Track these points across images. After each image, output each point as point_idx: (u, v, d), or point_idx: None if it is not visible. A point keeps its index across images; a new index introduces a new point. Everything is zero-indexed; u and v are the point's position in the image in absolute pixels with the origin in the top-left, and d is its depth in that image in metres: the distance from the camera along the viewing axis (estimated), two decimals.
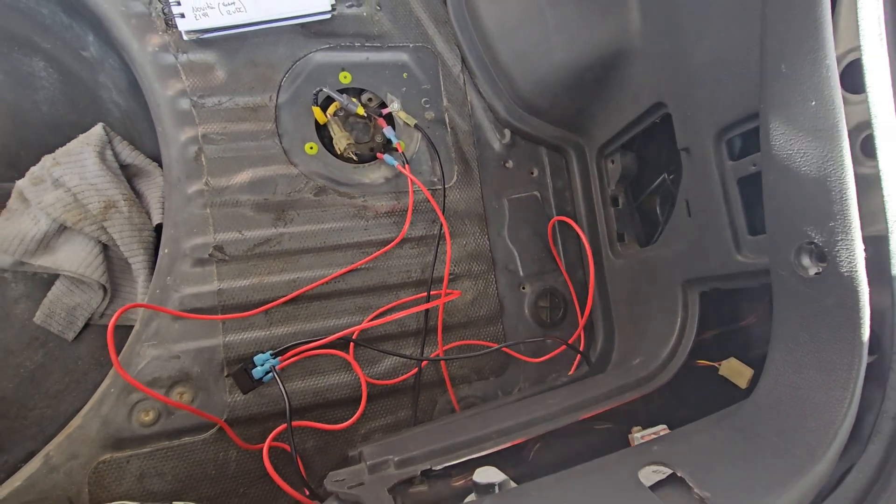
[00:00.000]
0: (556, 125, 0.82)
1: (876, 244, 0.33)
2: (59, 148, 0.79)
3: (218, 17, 0.70)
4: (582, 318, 0.80)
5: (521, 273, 0.80)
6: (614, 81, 0.71)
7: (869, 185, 0.34)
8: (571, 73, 0.72)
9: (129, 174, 0.82)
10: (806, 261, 0.37)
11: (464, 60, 0.82)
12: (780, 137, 0.37)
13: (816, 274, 0.37)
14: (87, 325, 0.80)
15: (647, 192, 0.77)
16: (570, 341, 0.79)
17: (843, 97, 0.35)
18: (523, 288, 0.81)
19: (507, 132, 0.83)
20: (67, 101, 0.84)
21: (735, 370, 0.54)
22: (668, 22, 0.59)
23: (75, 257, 0.78)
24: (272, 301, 0.69)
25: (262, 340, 0.68)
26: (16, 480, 0.59)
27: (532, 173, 0.84)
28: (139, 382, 0.58)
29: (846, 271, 0.35)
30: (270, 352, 0.61)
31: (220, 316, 0.66)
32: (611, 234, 0.80)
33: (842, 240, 0.34)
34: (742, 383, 0.53)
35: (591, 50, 0.69)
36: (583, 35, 0.69)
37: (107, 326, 0.81)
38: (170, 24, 0.70)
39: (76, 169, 0.77)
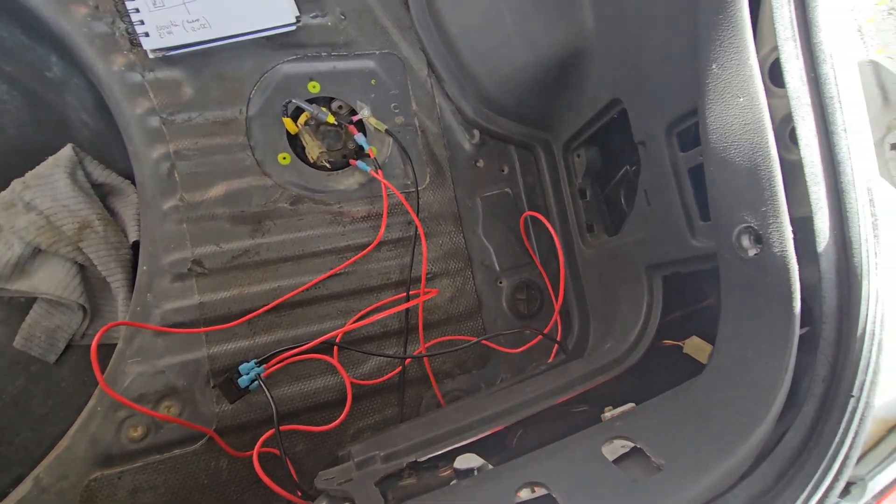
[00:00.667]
0: (523, 123, 0.85)
1: (804, 224, 0.36)
2: (29, 171, 0.78)
3: (182, 35, 0.71)
4: (557, 307, 0.83)
5: (498, 268, 0.83)
6: (574, 80, 0.74)
7: (797, 171, 0.37)
8: (533, 72, 0.75)
9: (102, 193, 0.83)
10: (746, 242, 0.40)
11: (430, 65, 0.84)
12: (716, 131, 0.40)
13: (755, 255, 0.40)
14: (68, 347, 0.80)
15: (612, 184, 0.81)
16: (546, 331, 0.81)
17: (771, 91, 0.38)
18: (500, 282, 0.83)
19: (477, 132, 0.85)
20: (34, 123, 0.83)
21: (697, 347, 0.57)
22: (619, 22, 0.62)
23: (52, 279, 0.78)
24: (254, 311, 0.70)
25: (246, 350, 0.69)
26: None
27: (503, 171, 0.86)
28: (126, 399, 0.59)
29: (779, 251, 0.38)
30: (255, 360, 0.62)
31: (202, 329, 0.67)
32: (580, 226, 0.83)
33: (773, 223, 0.37)
34: (703, 359, 0.56)
35: (550, 50, 0.72)
36: (541, 36, 0.72)
37: (89, 347, 0.81)
38: (134, 42, 0.71)
39: (47, 191, 0.77)
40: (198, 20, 0.71)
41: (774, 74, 0.39)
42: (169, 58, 0.72)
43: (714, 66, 0.39)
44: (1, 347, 0.78)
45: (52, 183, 0.77)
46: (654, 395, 0.51)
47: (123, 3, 0.70)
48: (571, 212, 0.84)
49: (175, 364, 0.66)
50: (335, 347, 0.69)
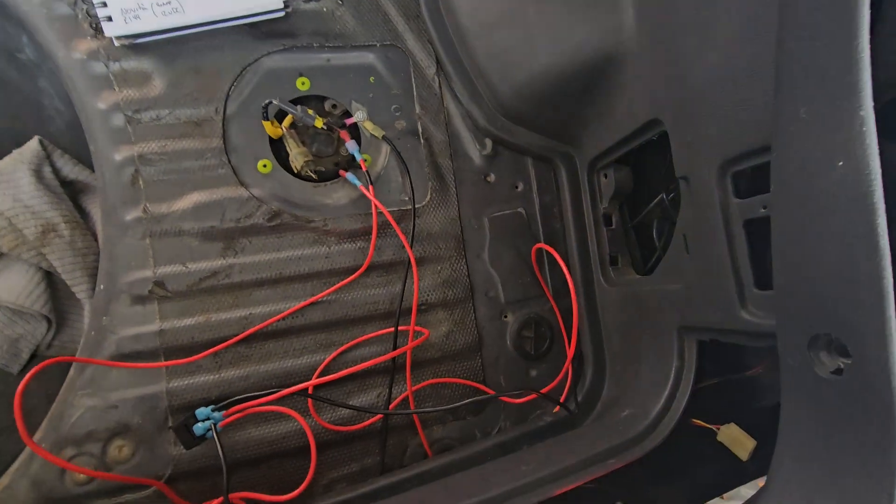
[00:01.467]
0: (543, 134, 0.73)
1: None
2: None
3: (151, 20, 0.61)
4: (570, 355, 0.72)
5: (503, 300, 0.73)
6: (606, 90, 0.61)
7: None
8: (557, 78, 0.63)
9: (73, 191, 0.75)
10: (823, 354, 0.29)
11: (438, 62, 0.72)
12: (795, 197, 0.28)
13: (836, 371, 0.29)
14: (33, 356, 0.74)
15: (644, 213, 0.69)
16: (555, 382, 0.71)
17: (881, 149, 0.27)
18: (505, 316, 0.73)
19: (489, 142, 0.74)
20: (5, 109, 0.76)
21: (735, 439, 0.46)
22: (667, 27, 0.49)
23: (14, 287, 0.71)
24: (221, 341, 0.62)
25: (210, 385, 0.62)
26: None
27: (516, 187, 0.75)
28: (59, 456, 0.52)
29: (876, 373, 0.27)
30: (213, 406, 0.54)
31: (161, 363, 0.59)
32: (603, 257, 0.71)
33: (871, 338, 0.26)
34: (743, 455, 0.46)
35: (579, 53, 0.60)
36: (569, 36, 0.60)
37: (51, 358, 0.75)
38: (97, 27, 0.62)
39: (9, 190, 0.69)
40: (169, 3, 0.61)
41: (890, 122, 0.27)
42: (137, 46, 0.63)
43: (803, 112, 0.27)
44: None
45: (15, 181, 0.70)
46: (677, 486, 0.41)
47: None
48: (593, 240, 0.72)
49: (129, 398, 0.59)
50: (309, 398, 0.61)
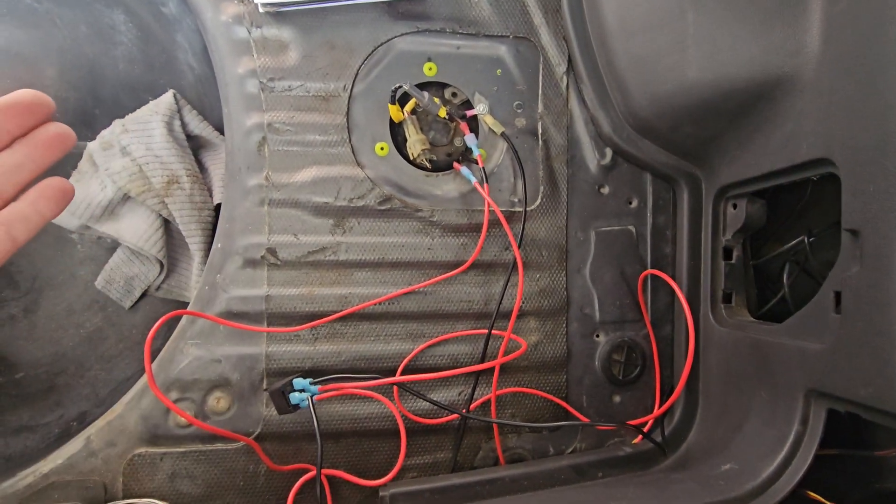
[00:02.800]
0: (671, 151, 0.68)
1: None
2: (130, 114, 0.76)
3: None
4: (680, 383, 0.68)
5: (598, 318, 0.70)
6: (763, 115, 0.56)
7: None
8: (706, 96, 0.58)
9: (195, 146, 0.79)
10: None
11: (570, 60, 0.68)
12: None
13: None
14: (143, 295, 0.80)
15: (774, 254, 0.63)
16: (651, 419, 0.68)
17: None
18: (597, 336, 0.70)
19: (609, 152, 0.70)
20: (144, 59, 0.80)
21: None
22: (864, 57, 0.43)
23: (136, 229, 0.76)
24: (320, 315, 0.63)
25: (304, 356, 0.64)
26: (58, 458, 0.59)
27: (630, 203, 0.71)
28: (166, 397, 0.56)
29: None
30: (310, 380, 0.56)
31: (266, 328, 0.62)
32: (715, 292, 0.67)
33: None
34: None
35: (741, 71, 0.54)
36: (733, 51, 0.54)
37: (163, 298, 0.80)
38: None
39: (143, 138, 0.74)
40: None
41: None
42: (279, 14, 0.64)
43: None
44: (84, 284, 0.79)
45: (149, 131, 0.74)
46: None
47: None
48: (706, 272, 0.67)
49: (232, 356, 0.62)
50: (395, 387, 0.61)
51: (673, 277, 0.70)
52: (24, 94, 0.31)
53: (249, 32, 0.63)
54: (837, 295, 0.47)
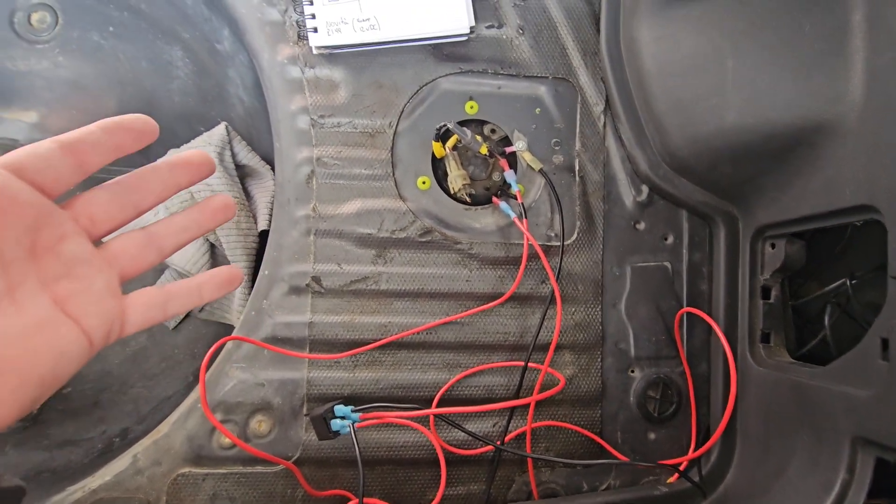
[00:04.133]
0: (708, 190, 0.69)
1: None
2: (185, 143, 0.80)
3: (350, 34, 0.65)
4: (723, 424, 0.68)
5: (633, 354, 0.70)
6: (803, 159, 0.56)
7: None
8: (745, 139, 0.59)
9: (242, 174, 0.83)
10: None
11: (608, 99, 0.70)
12: None
13: None
14: (187, 316, 0.83)
15: (815, 295, 0.63)
16: (685, 461, 0.68)
17: None
18: (632, 371, 0.70)
19: (645, 189, 0.71)
20: (198, 92, 0.85)
21: None
22: None
23: (184, 253, 0.80)
24: (361, 343, 0.65)
25: (344, 382, 0.65)
26: (106, 475, 0.61)
27: (665, 239, 0.72)
28: (214, 416, 0.57)
29: None
30: (352, 407, 0.57)
31: (308, 355, 0.64)
32: (753, 332, 0.66)
33: None
34: None
35: (781, 117, 0.56)
36: (772, 97, 0.56)
37: (205, 321, 0.83)
38: (301, 35, 0.67)
39: None
40: (368, 20, 0.65)
41: None
42: (331, 56, 0.67)
43: None
44: None
45: None
46: None
47: None
48: (744, 311, 0.67)
49: (275, 380, 0.64)
50: (432, 416, 0.62)
51: (709, 315, 0.70)
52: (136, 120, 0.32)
53: (303, 72, 0.67)
54: (884, 342, 0.47)
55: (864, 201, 0.49)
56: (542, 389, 0.66)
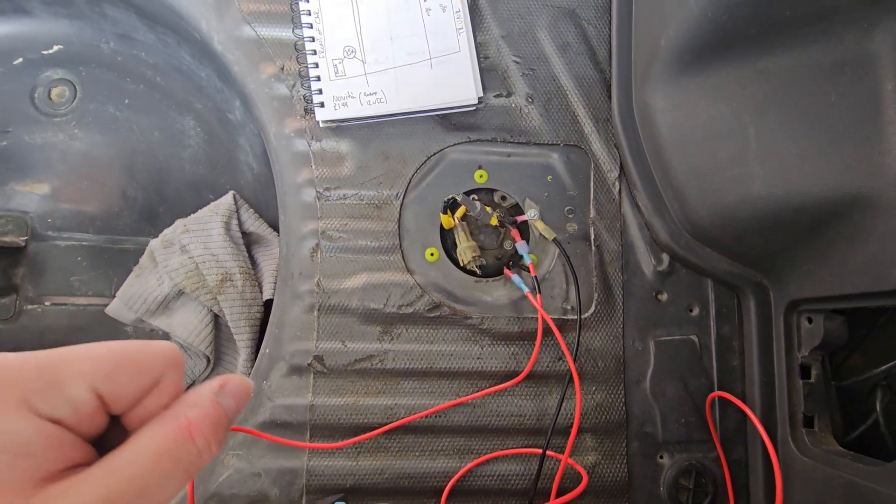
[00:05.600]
0: (735, 260, 0.65)
1: None
2: (191, 212, 0.80)
3: (357, 108, 0.64)
4: None
5: (661, 437, 0.64)
6: (840, 233, 0.52)
7: None
8: (773, 210, 0.55)
9: (248, 241, 0.81)
10: None
11: (622, 167, 0.68)
12: None
13: None
14: (189, 387, 0.80)
15: (862, 378, 0.57)
16: None
17: None
18: (661, 457, 0.64)
19: (666, 258, 0.67)
20: (208, 160, 0.85)
21: None
22: None
23: (188, 324, 0.77)
24: (365, 427, 0.61)
25: (346, 472, 0.61)
26: None
27: (691, 311, 0.67)
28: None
29: None
30: None
31: (308, 444, 0.59)
32: (794, 415, 0.60)
33: None
34: None
35: (811, 188, 0.52)
36: (800, 168, 0.52)
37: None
38: (308, 110, 0.66)
39: (202, 238, 0.77)
40: (375, 94, 0.65)
41: None
42: (338, 129, 0.67)
43: None
44: None
45: (208, 230, 0.77)
46: None
47: (307, 69, 0.66)
48: (783, 391, 0.61)
49: (273, 469, 0.60)
50: None
51: (743, 395, 0.64)
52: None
53: (309, 145, 0.66)
54: None
55: None
56: (562, 480, 0.61)
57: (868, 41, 0.50)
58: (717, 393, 0.64)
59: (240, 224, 0.80)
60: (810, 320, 0.60)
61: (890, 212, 0.48)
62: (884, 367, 0.55)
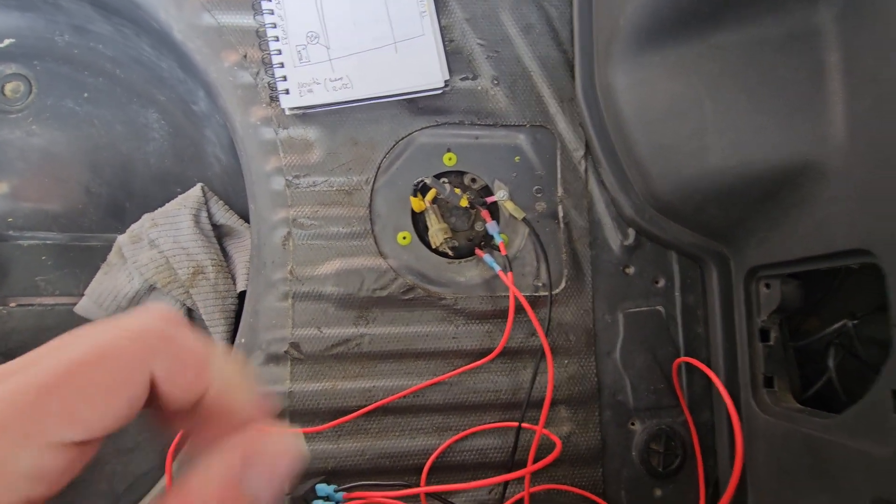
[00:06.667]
0: (697, 231, 0.67)
1: None
2: (159, 206, 0.78)
3: (323, 94, 0.64)
4: (702, 475, 0.64)
5: (632, 405, 0.67)
6: (791, 201, 0.55)
7: None
8: (729, 181, 0.58)
9: (219, 234, 0.81)
10: None
11: (587, 145, 0.69)
12: None
13: None
14: None
15: (816, 337, 0.60)
16: None
17: None
18: (632, 424, 0.67)
19: (632, 232, 0.69)
20: (174, 153, 0.84)
21: None
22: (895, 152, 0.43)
23: None
24: (344, 410, 0.62)
25: (327, 455, 0.61)
26: None
27: (657, 283, 0.69)
28: None
29: None
30: (335, 487, 0.53)
31: (291, 430, 0.60)
32: (755, 376, 0.63)
33: None
34: None
35: (763, 159, 0.54)
36: (753, 140, 0.55)
37: None
38: (273, 98, 0.66)
39: (171, 231, 0.76)
40: (341, 79, 0.65)
41: None
42: (305, 116, 0.66)
43: None
44: None
45: (177, 224, 0.76)
46: None
47: (270, 56, 0.65)
48: (744, 355, 0.64)
49: None
50: (423, 496, 0.58)
51: (708, 360, 0.67)
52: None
53: (276, 133, 0.66)
54: (895, 394, 0.44)
55: (858, 245, 0.48)
56: (538, 450, 0.63)
57: (813, 14, 0.52)
58: (682, 358, 0.66)
59: (210, 216, 0.79)
60: (768, 286, 0.63)
61: (835, 178, 0.50)
62: (835, 326, 0.59)
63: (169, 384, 0.17)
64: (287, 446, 0.17)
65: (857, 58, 0.47)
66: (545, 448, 0.63)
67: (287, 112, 0.66)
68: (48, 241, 0.79)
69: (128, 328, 0.17)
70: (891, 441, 0.44)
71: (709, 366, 0.67)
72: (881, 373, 0.46)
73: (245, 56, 0.67)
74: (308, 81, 0.64)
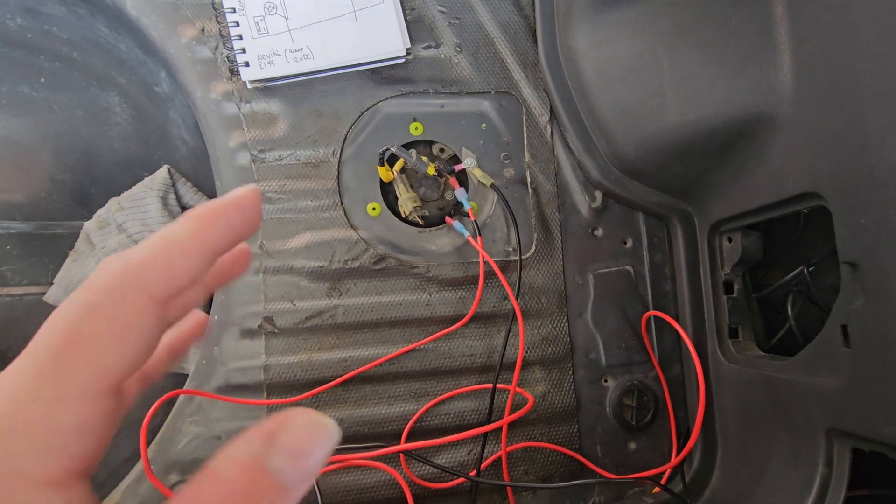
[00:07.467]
0: (661, 190, 0.68)
1: None
2: (126, 191, 0.77)
3: (283, 66, 0.64)
4: (674, 426, 0.66)
5: (604, 363, 0.68)
6: (747, 152, 0.56)
7: None
8: (689, 136, 0.59)
9: None
10: None
11: (552, 110, 0.70)
12: None
13: None
14: None
15: (776, 285, 0.62)
16: (667, 470, 0.66)
17: None
18: (605, 381, 0.68)
19: (599, 195, 0.70)
20: (138, 137, 0.83)
21: None
22: (840, 94, 0.44)
23: None
24: (321, 382, 0.62)
25: None
26: None
27: (625, 243, 0.71)
28: (167, 479, 0.53)
29: None
30: None
31: (265, 401, 0.60)
32: (721, 328, 0.65)
33: None
34: None
35: (718, 112, 0.56)
36: (708, 94, 0.56)
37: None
38: (234, 71, 0.65)
39: (139, 215, 0.75)
40: (301, 50, 0.64)
41: None
42: (267, 89, 0.66)
43: None
44: None
45: (144, 206, 0.75)
46: None
47: (227, 28, 0.64)
48: (710, 307, 0.66)
49: (232, 431, 0.61)
50: (402, 455, 0.59)
51: (676, 315, 0.69)
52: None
53: (239, 108, 0.65)
54: (844, 328, 0.46)
55: (807, 189, 0.49)
56: (514, 410, 0.64)
57: None
58: (650, 312, 0.68)
59: (178, 198, 0.78)
60: (730, 239, 0.64)
61: (786, 126, 0.52)
62: (793, 273, 0.61)
63: (174, 282, 0.19)
64: (313, 424, 0.16)
65: (800, 5, 0.48)
66: (519, 406, 0.65)
67: (249, 86, 0.65)
68: (12, 231, 0.78)
69: (97, 279, 0.18)
70: (840, 373, 0.46)
71: (677, 321, 0.68)
72: (832, 311, 0.48)
73: (203, 30, 0.65)
74: (268, 53, 0.63)
